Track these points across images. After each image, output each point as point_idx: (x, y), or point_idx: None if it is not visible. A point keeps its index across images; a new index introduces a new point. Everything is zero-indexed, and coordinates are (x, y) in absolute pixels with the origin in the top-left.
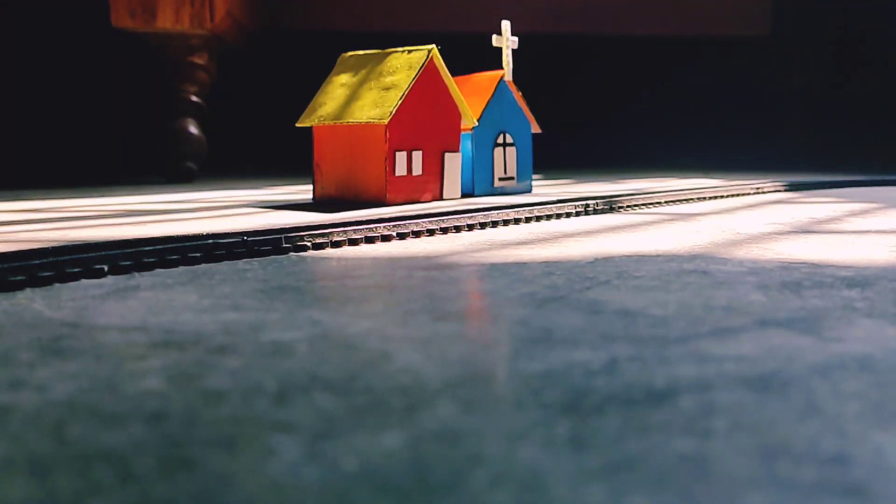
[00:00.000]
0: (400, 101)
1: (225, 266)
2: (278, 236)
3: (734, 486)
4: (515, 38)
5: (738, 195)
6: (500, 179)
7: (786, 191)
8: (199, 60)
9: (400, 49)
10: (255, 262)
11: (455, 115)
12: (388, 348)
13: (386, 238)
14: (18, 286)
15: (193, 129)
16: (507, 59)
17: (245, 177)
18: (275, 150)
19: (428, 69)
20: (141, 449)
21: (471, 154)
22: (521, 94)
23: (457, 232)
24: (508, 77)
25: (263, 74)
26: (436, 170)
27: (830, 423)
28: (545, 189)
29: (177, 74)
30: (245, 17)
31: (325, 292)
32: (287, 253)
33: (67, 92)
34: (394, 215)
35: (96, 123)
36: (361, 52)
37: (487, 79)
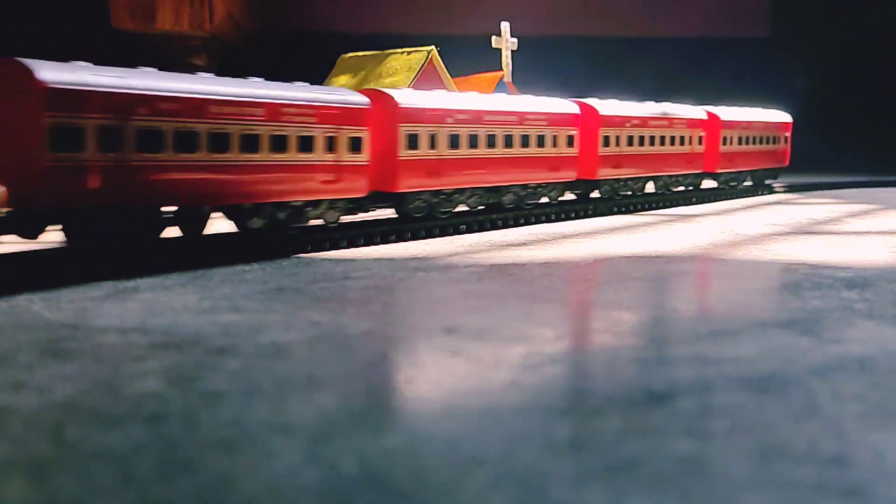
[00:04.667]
0: None
1: (224, 267)
2: (278, 237)
3: (734, 487)
4: (515, 40)
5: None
6: None
7: (785, 191)
8: (199, 61)
9: (399, 50)
10: (255, 263)
11: None
12: (388, 350)
13: (386, 239)
14: (18, 288)
15: None
16: (507, 60)
17: None
18: None
19: (427, 70)
20: (140, 450)
21: None
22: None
23: (457, 233)
24: (508, 78)
25: (263, 75)
26: None
27: (830, 425)
28: None
29: None
30: (245, 18)
31: (324, 293)
32: (286, 254)
33: None
34: (394, 215)
35: None
36: (361, 54)
37: (487, 80)
